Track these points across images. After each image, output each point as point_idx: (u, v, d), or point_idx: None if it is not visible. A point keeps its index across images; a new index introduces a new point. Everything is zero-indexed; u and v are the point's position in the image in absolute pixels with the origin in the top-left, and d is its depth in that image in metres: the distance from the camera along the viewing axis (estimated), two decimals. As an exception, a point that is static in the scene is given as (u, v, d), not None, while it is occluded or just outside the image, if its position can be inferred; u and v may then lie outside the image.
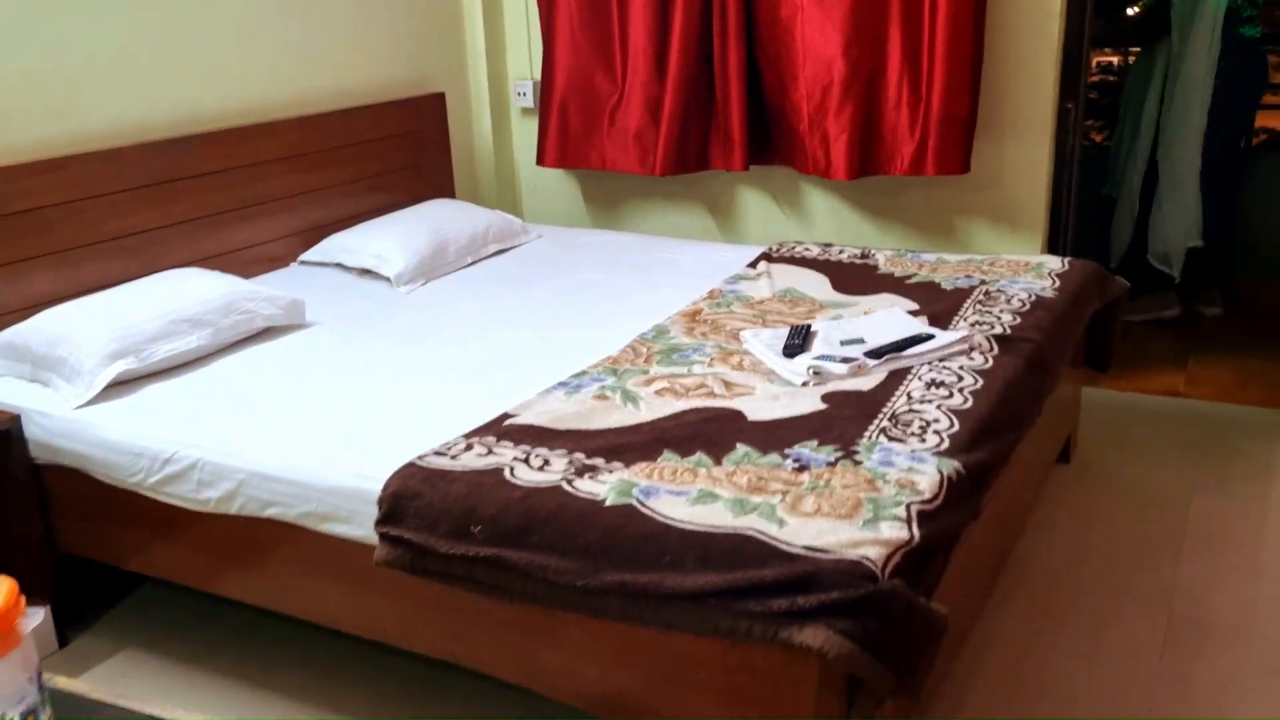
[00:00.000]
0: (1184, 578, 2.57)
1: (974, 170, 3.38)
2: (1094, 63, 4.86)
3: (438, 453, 1.96)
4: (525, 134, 4.13)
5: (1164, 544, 2.72)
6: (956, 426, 2.00)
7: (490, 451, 1.96)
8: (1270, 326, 4.16)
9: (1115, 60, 4.49)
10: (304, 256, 3.35)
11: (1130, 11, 4.35)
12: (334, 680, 2.32)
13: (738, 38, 3.48)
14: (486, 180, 4.17)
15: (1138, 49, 4.22)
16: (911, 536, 1.63)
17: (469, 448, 1.98)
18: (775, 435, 2.00)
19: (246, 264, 3.16)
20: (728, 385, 2.25)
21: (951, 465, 1.86)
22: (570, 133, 3.87)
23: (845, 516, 1.67)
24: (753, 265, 3.17)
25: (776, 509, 1.70)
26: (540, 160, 3.94)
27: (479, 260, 3.40)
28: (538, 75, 3.98)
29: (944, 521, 1.75)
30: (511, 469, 1.88)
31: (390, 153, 3.68)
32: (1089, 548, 2.73)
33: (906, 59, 3.29)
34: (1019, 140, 3.35)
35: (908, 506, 1.70)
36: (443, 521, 1.82)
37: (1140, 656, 2.30)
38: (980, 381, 2.20)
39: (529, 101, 4.06)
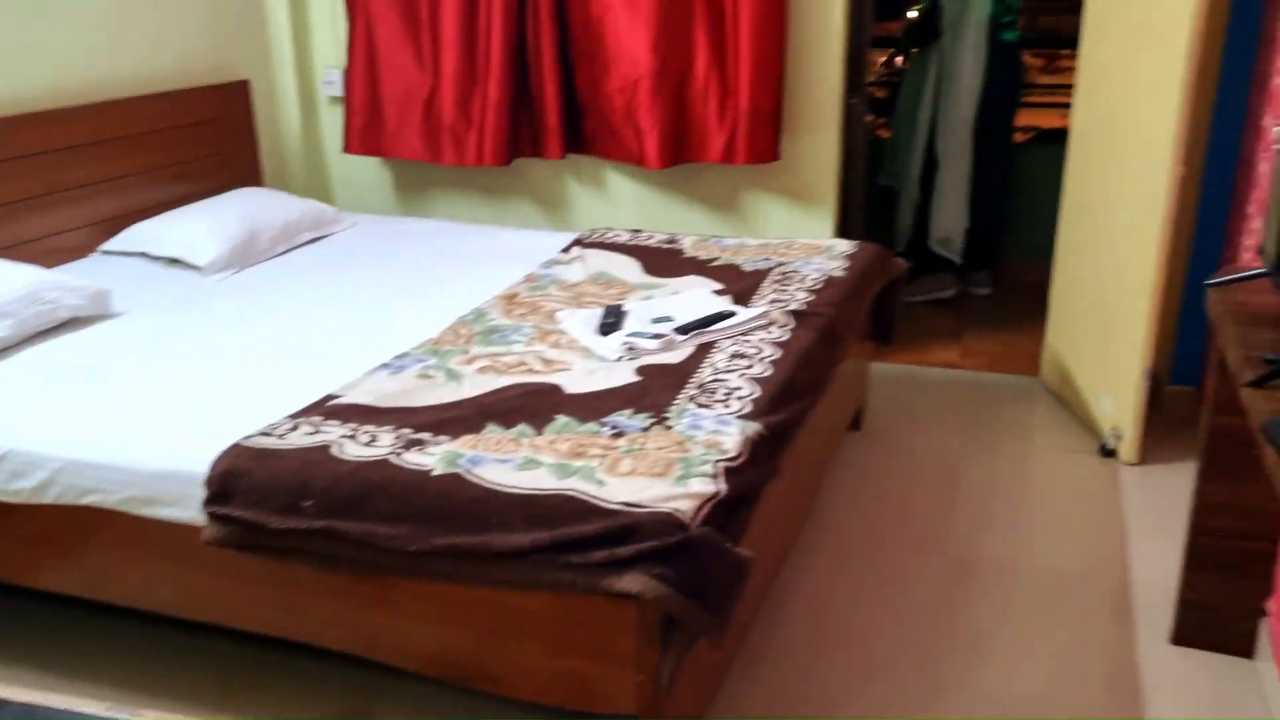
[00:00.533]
0: (957, 526, 2.87)
1: (781, 160, 3.61)
2: (880, 62, 5.23)
3: (264, 433, 2.00)
4: (335, 123, 4.12)
5: (941, 497, 3.02)
6: (758, 393, 2.19)
7: (317, 430, 2.01)
8: (1032, 303, 4.59)
9: (900, 60, 4.85)
10: (105, 246, 3.26)
11: (910, 14, 4.70)
12: (161, 669, 2.31)
13: (551, 31, 3.59)
14: (296, 169, 4.13)
15: (915, 50, 4.58)
16: (718, 490, 1.80)
17: (295, 428, 2.03)
18: (593, 406, 2.13)
19: (44, 255, 3.06)
20: (546, 362, 2.37)
21: (754, 427, 2.04)
22: (381, 122, 3.90)
23: (659, 475, 1.82)
24: (567, 250, 3.29)
25: (596, 471, 1.84)
26: (347, 148, 3.95)
27: (293, 248, 3.39)
28: (345, 63, 3.98)
29: (748, 477, 1.93)
30: (340, 445, 1.94)
31: (194, 141, 3.61)
32: (879, 504, 3.00)
33: (714, 56, 3.49)
34: (812, 133, 3.60)
35: (715, 464, 1.87)
36: (273, 498, 1.86)
37: (924, 598, 2.56)
38: (779, 352, 2.40)
39: (338, 90, 4.05)
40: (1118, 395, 3.20)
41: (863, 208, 3.86)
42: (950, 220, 4.48)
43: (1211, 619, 2.29)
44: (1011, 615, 2.49)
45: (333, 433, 2.00)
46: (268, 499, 1.87)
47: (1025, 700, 2.21)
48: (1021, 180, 4.86)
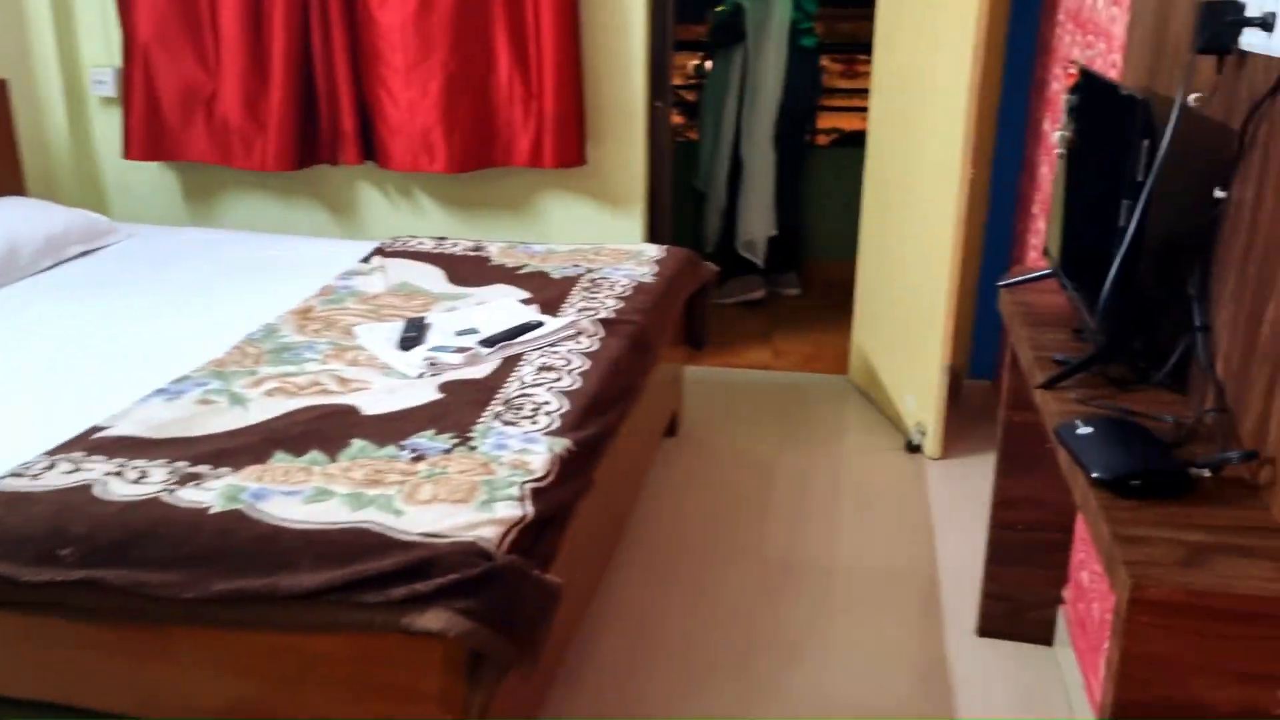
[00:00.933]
0: (773, 529, 2.87)
1: (588, 165, 3.55)
2: (690, 65, 5.25)
3: (14, 474, 1.79)
4: (107, 125, 3.80)
5: (757, 501, 3.02)
6: (566, 406, 2.11)
7: (78, 468, 1.81)
8: (837, 302, 4.70)
9: (709, 64, 4.86)
10: None
11: (718, 9, 4.71)
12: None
13: (342, 32, 3.42)
14: (64, 177, 3.80)
15: (718, 52, 4.61)
16: (525, 514, 1.71)
17: (52, 466, 1.82)
18: (392, 427, 2.01)
19: None
20: (342, 381, 2.22)
21: (562, 444, 1.96)
22: (163, 124, 3.62)
23: (461, 500, 1.72)
24: (366, 260, 3.14)
25: (394, 500, 1.72)
26: (127, 153, 3.65)
27: (60, 263, 3.10)
28: (118, 62, 3.69)
29: (557, 496, 1.85)
30: (104, 484, 1.75)
31: (-59, 145, 3.26)
32: (696, 510, 2.97)
33: (516, 59, 3.40)
34: (619, 137, 3.56)
35: (522, 486, 1.78)
36: (26, 547, 1.66)
37: (742, 603, 2.55)
38: (588, 363, 2.33)
39: (110, 90, 3.74)
40: (921, 392, 3.29)
41: (672, 212, 3.85)
42: (755, 224, 4.53)
43: (1014, 610, 2.36)
44: (827, 616, 2.50)
45: (96, 470, 1.80)
46: (20, 549, 1.66)
47: (841, 700, 2.22)
48: (825, 182, 4.97)
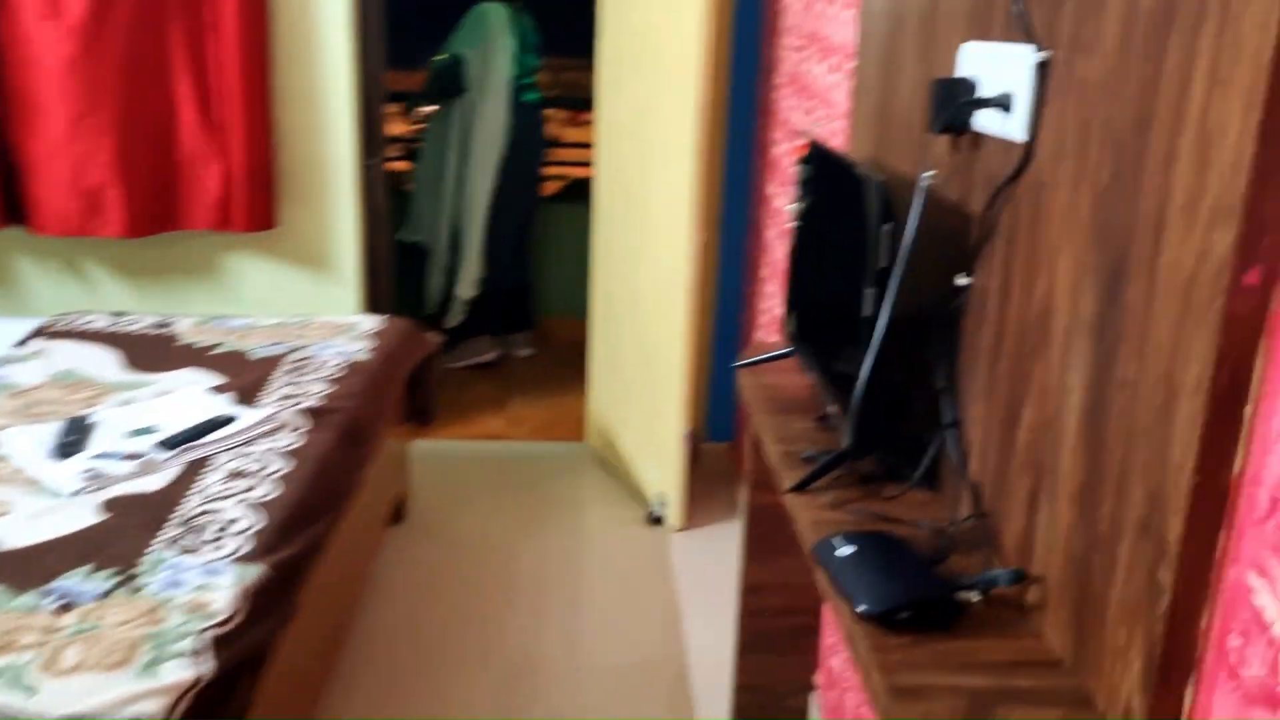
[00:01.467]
0: (513, 623, 2.65)
1: (285, 227, 3.23)
2: (415, 114, 4.98)
3: None
4: None
5: (497, 592, 2.78)
6: (263, 522, 1.81)
7: None
8: (571, 361, 4.56)
9: (426, 109, 4.60)
10: None
11: (435, 60, 4.47)
12: None
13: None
14: None
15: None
16: (200, 675, 1.40)
17: None
18: (36, 566, 1.64)
19: None
20: (-26, 506, 1.82)
21: (255, 572, 1.66)
22: None
23: (118, 664, 1.39)
24: (23, 344, 2.67)
25: (27, 671, 1.37)
26: None
27: None
28: None
29: (249, 639, 1.55)
30: None
31: None
32: (429, 608, 2.70)
33: (200, 113, 3.04)
34: (324, 196, 3.26)
35: (199, 635, 1.47)
36: None
37: (480, 710, 2.30)
38: (290, 464, 2.03)
39: None
40: (660, 461, 3.17)
41: (392, 275, 3.58)
42: (482, 284, 4.33)
43: (766, 699, 2.24)
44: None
45: None
46: None
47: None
48: (558, 235, 4.84)
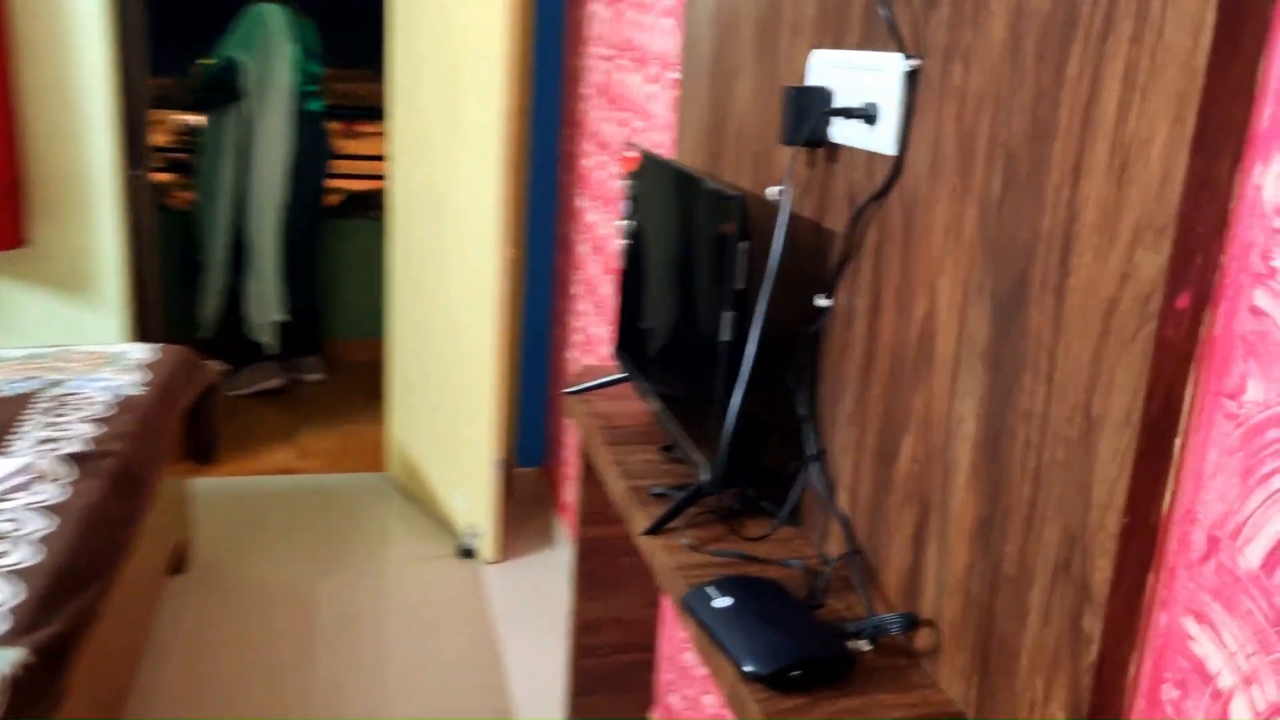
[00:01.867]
0: (321, 677, 2.42)
1: (37, 246, 2.86)
2: (184, 122, 4.59)
3: None
4: None
5: (295, 644, 2.54)
6: (20, 595, 1.54)
7: None
8: (364, 385, 4.32)
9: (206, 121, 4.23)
10: None
11: (204, 64, 4.11)
12: None
13: None
14: None
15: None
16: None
17: None
18: None
19: None
20: None
21: (15, 657, 1.40)
22: None
23: None
24: None
25: None
26: None
27: None
28: None
29: (7, 741, 1.29)
30: None
31: None
32: (218, 665, 2.43)
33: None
34: (85, 212, 2.91)
35: (-57, 746, 1.21)
36: None
37: (283, 789, 2.07)
38: (52, 523, 1.75)
39: None
40: (470, 490, 2.99)
41: (160, 298, 3.24)
42: (265, 305, 4.02)
43: (601, 742, 2.12)
44: (392, 786, 2.11)
45: None
46: None
47: None
48: (344, 252, 4.57)
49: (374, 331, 4.60)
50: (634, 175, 1.68)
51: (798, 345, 1.30)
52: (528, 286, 3.31)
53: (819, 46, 1.27)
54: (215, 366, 2.81)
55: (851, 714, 0.96)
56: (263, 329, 4.05)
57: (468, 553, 3.00)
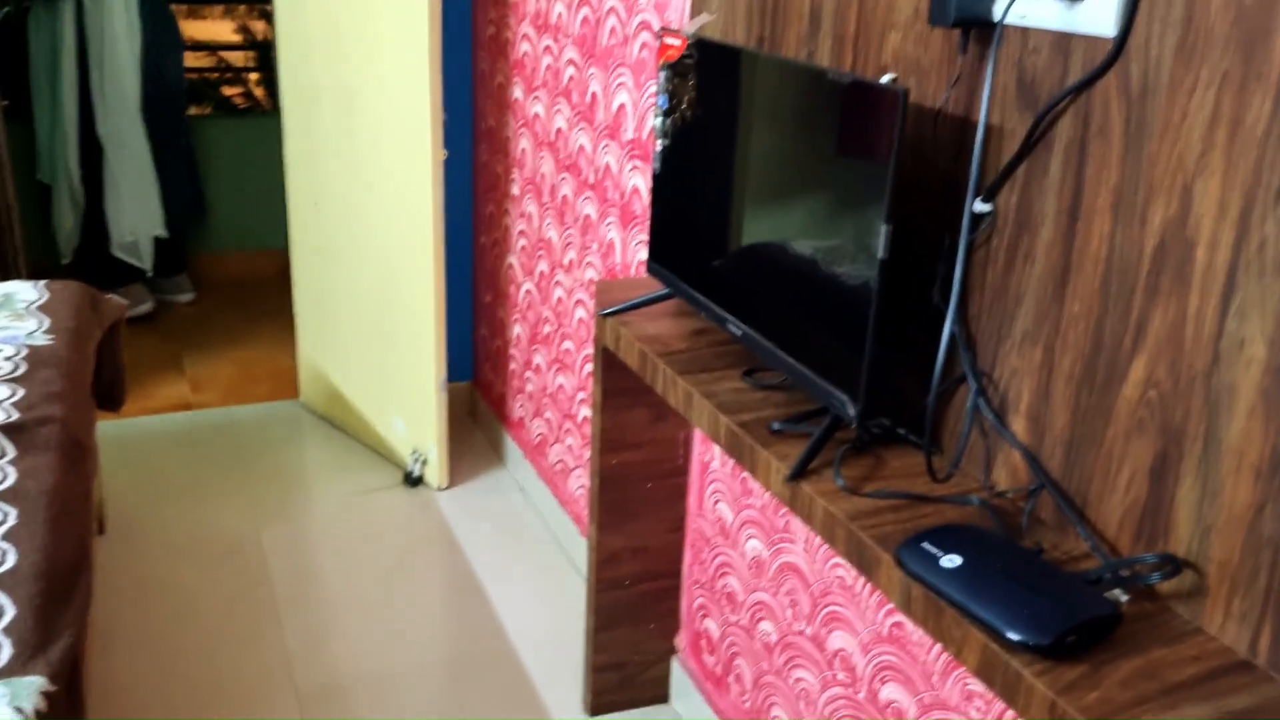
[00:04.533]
0: (294, 636, 2.20)
1: None
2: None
3: None
4: None
5: (258, 603, 2.31)
6: (12, 611, 1.28)
7: None
8: (243, 304, 3.95)
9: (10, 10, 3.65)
10: None
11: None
12: None
13: None
14: None
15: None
16: None
17: None
18: None
19: None
20: None
21: (33, 688, 1.16)
22: None
23: None
24: None
25: None
26: None
27: None
28: None
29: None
30: None
31: None
32: (177, 641, 2.18)
33: None
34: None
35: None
36: None
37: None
38: (10, 513, 1.47)
39: None
40: (411, 413, 2.77)
41: (20, 226, 2.82)
42: (136, 219, 3.58)
43: (627, 677, 2.01)
44: (406, 748, 1.95)
45: None
46: None
47: None
48: (201, 155, 4.12)
49: (243, 244, 4.21)
50: (677, 65, 1.48)
51: (943, 256, 1.17)
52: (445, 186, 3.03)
53: (964, -91, 1.10)
54: (118, 301, 2.46)
55: (1142, 676, 0.87)
56: (131, 248, 3.62)
57: (415, 480, 2.79)
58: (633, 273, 2.05)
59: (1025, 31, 1.05)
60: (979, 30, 1.10)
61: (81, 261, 3.63)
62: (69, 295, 2.28)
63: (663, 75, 1.51)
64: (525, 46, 2.52)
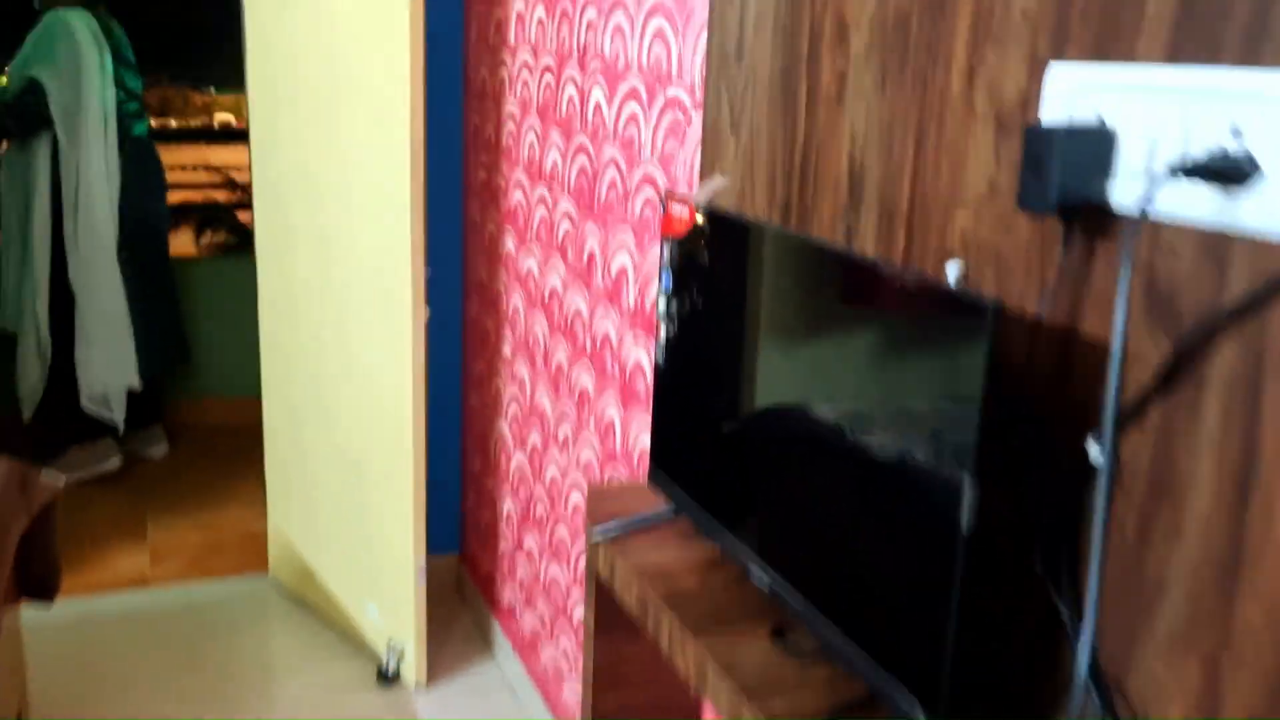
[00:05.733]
0: None
1: None
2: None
3: None
4: None
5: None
6: None
7: None
8: (223, 455, 3.66)
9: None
10: None
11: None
12: None
13: None
14: None
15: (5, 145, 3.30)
16: None
17: None
18: None
19: None
20: None
21: None
22: None
23: None
24: None
25: None
26: None
27: None
28: None
29: None
30: None
31: None
32: None
33: None
34: None
35: None
36: None
37: None
38: None
39: None
40: (386, 599, 2.45)
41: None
42: (107, 370, 3.32)
43: None
44: None
45: None
46: None
47: None
48: (185, 295, 3.89)
49: (225, 389, 3.95)
50: (685, 240, 1.21)
51: (1046, 512, 0.87)
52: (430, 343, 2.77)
53: (1063, 55, 0.84)
54: (54, 478, 2.17)
55: None
56: (101, 400, 3.35)
57: (389, 676, 2.45)
58: (635, 463, 1.75)
59: (1157, 226, 0.77)
60: (1089, 219, 0.83)
61: (45, 415, 3.36)
62: (-10, 477, 1.99)
63: (667, 250, 1.24)
64: (518, 195, 2.28)
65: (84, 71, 3.15)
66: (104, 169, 3.18)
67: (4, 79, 3.29)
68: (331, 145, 2.38)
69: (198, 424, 3.91)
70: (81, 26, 3.17)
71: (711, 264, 1.17)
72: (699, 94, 1.46)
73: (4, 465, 2.06)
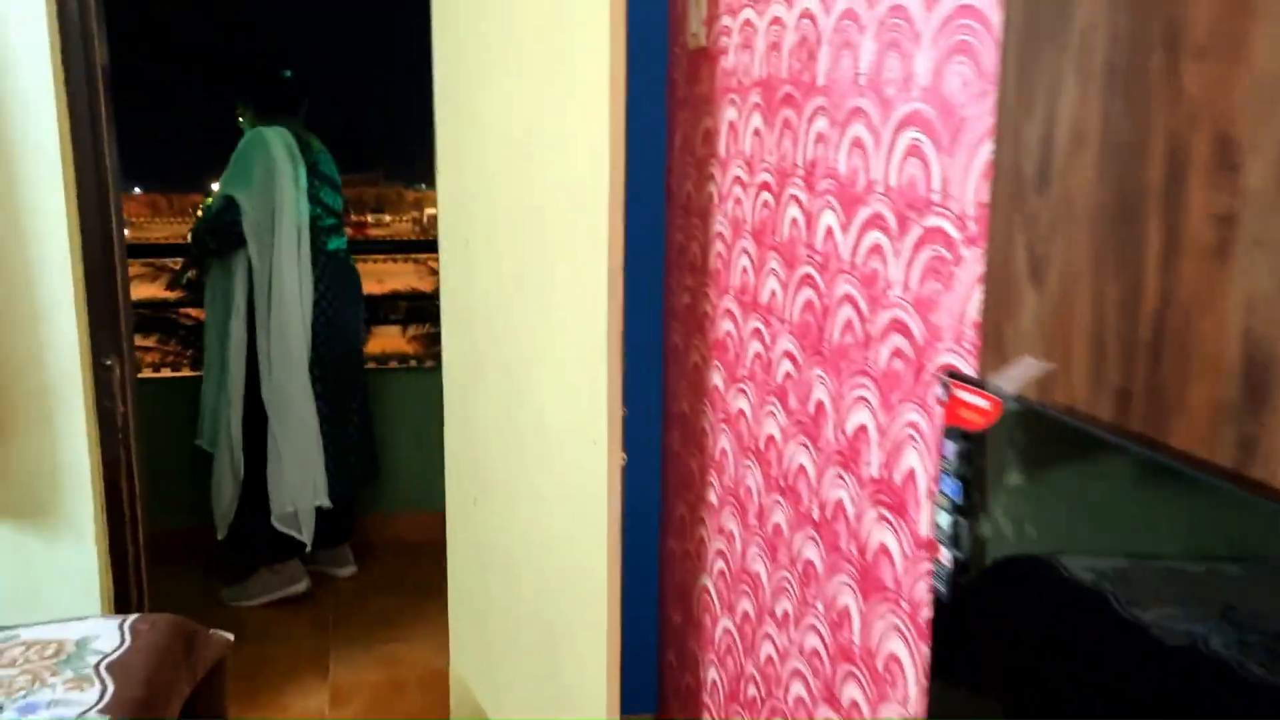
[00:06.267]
0: None
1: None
2: (186, 276, 3.83)
3: None
4: None
5: None
6: None
7: None
8: (411, 574, 3.50)
9: (192, 274, 3.48)
10: None
11: (201, 210, 3.40)
12: None
13: None
14: None
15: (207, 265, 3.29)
16: None
17: None
18: None
19: None
20: None
21: None
22: None
23: None
24: None
25: None
26: None
27: None
28: None
29: None
30: None
31: None
32: None
33: None
34: (36, 423, 2.15)
35: None
36: None
37: None
38: None
39: None
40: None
41: (145, 521, 2.46)
42: (298, 489, 3.22)
43: None
44: None
45: None
46: None
47: None
48: (373, 412, 3.80)
49: (416, 504, 3.81)
50: (984, 439, 0.89)
51: None
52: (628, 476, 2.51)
53: None
54: (222, 637, 2.00)
55: None
56: (289, 521, 3.25)
57: None
58: (879, 667, 1.41)
59: None
60: None
61: (237, 534, 3.29)
62: (154, 641, 1.83)
63: (952, 447, 0.92)
64: (727, 325, 2.00)
65: (277, 187, 3.12)
66: (297, 285, 3.12)
67: (210, 199, 3.30)
68: (522, 266, 2.18)
69: (385, 537, 3.78)
70: (277, 142, 3.15)
71: (1023, 474, 0.85)
72: (973, 227, 1.15)
73: (167, 624, 1.90)
